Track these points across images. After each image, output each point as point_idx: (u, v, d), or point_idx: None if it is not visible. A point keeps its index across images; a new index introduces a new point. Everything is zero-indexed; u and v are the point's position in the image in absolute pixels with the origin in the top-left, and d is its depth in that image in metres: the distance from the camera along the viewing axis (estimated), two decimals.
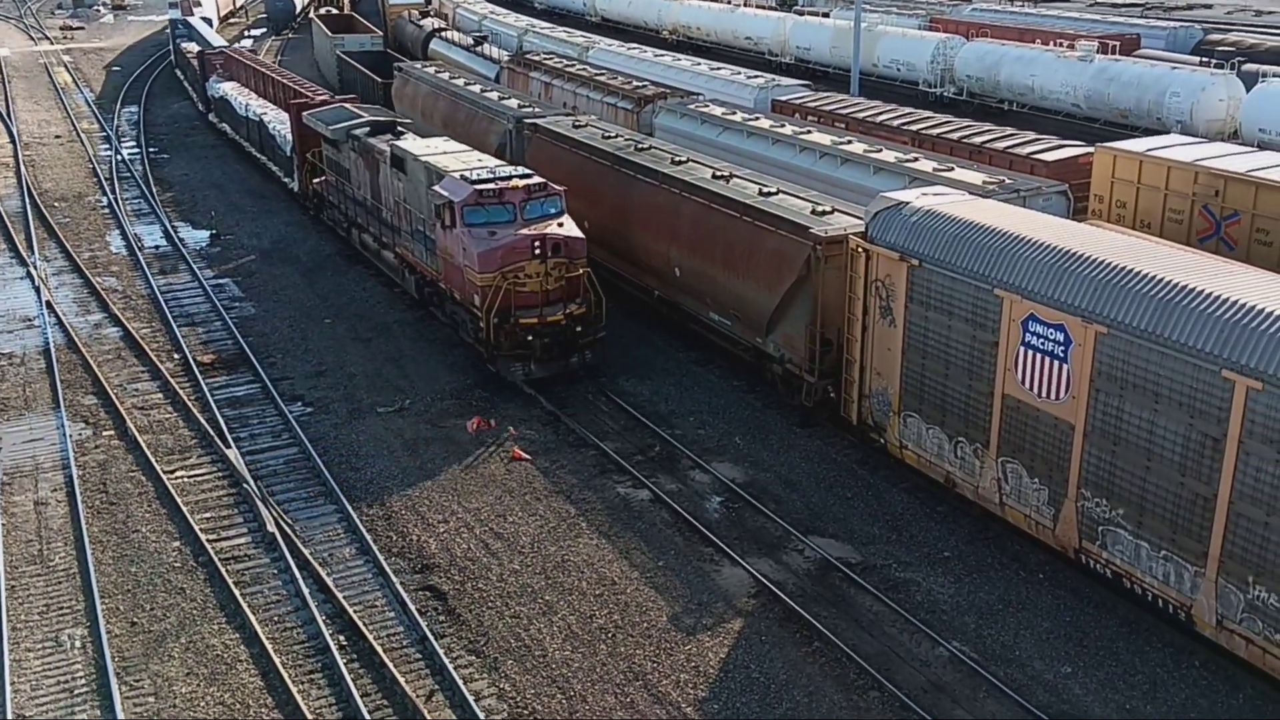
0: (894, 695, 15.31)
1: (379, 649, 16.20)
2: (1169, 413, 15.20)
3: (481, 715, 14.87)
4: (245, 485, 20.78)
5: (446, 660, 15.94)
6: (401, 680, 15.52)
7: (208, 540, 19.10)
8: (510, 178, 24.46)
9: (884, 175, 25.03)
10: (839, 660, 16.05)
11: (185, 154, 47.45)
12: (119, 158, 46.47)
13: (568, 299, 24.01)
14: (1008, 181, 23.25)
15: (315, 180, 35.68)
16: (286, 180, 40.23)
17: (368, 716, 14.89)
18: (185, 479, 21.33)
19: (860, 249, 19.97)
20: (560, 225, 24.15)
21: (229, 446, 22.27)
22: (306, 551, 18.73)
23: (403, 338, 27.87)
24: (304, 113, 34.53)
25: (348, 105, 33.99)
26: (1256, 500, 14.29)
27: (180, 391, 24.72)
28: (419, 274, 27.85)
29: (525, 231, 23.70)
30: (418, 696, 15.28)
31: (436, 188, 24.85)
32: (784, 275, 21.87)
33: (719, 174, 25.50)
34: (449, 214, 24.08)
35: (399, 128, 30.49)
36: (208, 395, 24.56)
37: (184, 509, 20.04)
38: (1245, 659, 15.01)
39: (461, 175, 24.66)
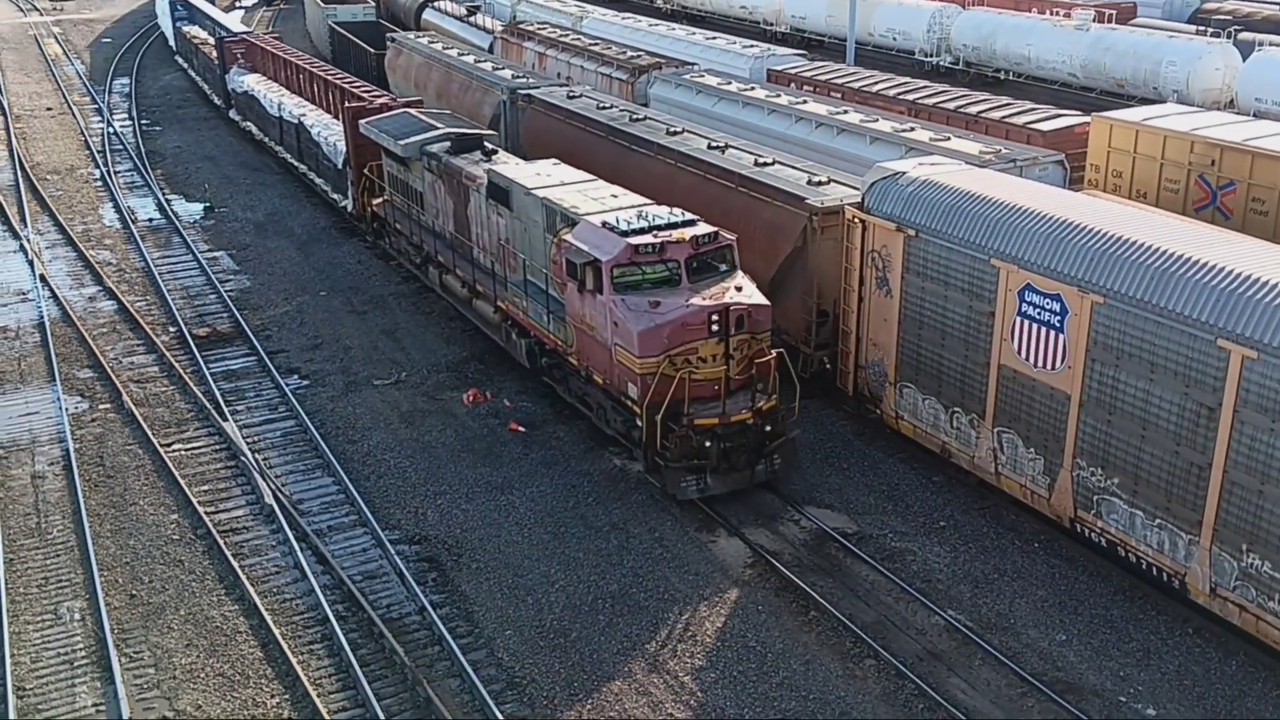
0: (890, 663, 15.41)
1: (377, 620, 16.28)
2: (1164, 382, 15.24)
3: (480, 685, 14.95)
4: (242, 458, 20.81)
5: (445, 630, 16.02)
6: (400, 650, 15.60)
7: (206, 513, 19.14)
8: (670, 225, 19.00)
9: (880, 145, 24.96)
10: (835, 629, 16.14)
11: (178, 126, 47.18)
12: (111, 130, 46.21)
13: (754, 388, 18.68)
14: (1004, 151, 23.20)
15: (375, 201, 29.98)
16: (336, 198, 33.89)
17: (367, 686, 14.97)
18: (182, 452, 21.35)
19: (856, 219, 19.94)
20: (739, 289, 18.73)
21: (225, 419, 22.28)
22: (304, 523, 18.78)
23: (398, 310, 27.83)
24: (361, 120, 28.94)
25: (413, 112, 28.72)
26: (1251, 469, 14.36)
27: (176, 365, 24.71)
28: (534, 338, 22.24)
29: (698, 301, 18.24)
30: (417, 666, 15.37)
31: (569, 238, 19.44)
32: (780, 246, 21.85)
33: (714, 145, 25.42)
34: (592, 276, 18.67)
35: (487, 144, 25.07)
36: (204, 368, 24.55)
37: (181, 482, 20.07)
38: (1239, 626, 15.13)
39: (604, 223, 19.12)
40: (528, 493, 19.72)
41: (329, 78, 36.84)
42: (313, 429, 21.82)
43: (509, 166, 23.40)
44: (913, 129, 25.40)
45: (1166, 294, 15.10)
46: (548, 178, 22.03)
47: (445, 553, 18.14)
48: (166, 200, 36.92)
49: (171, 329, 26.98)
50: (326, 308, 28.15)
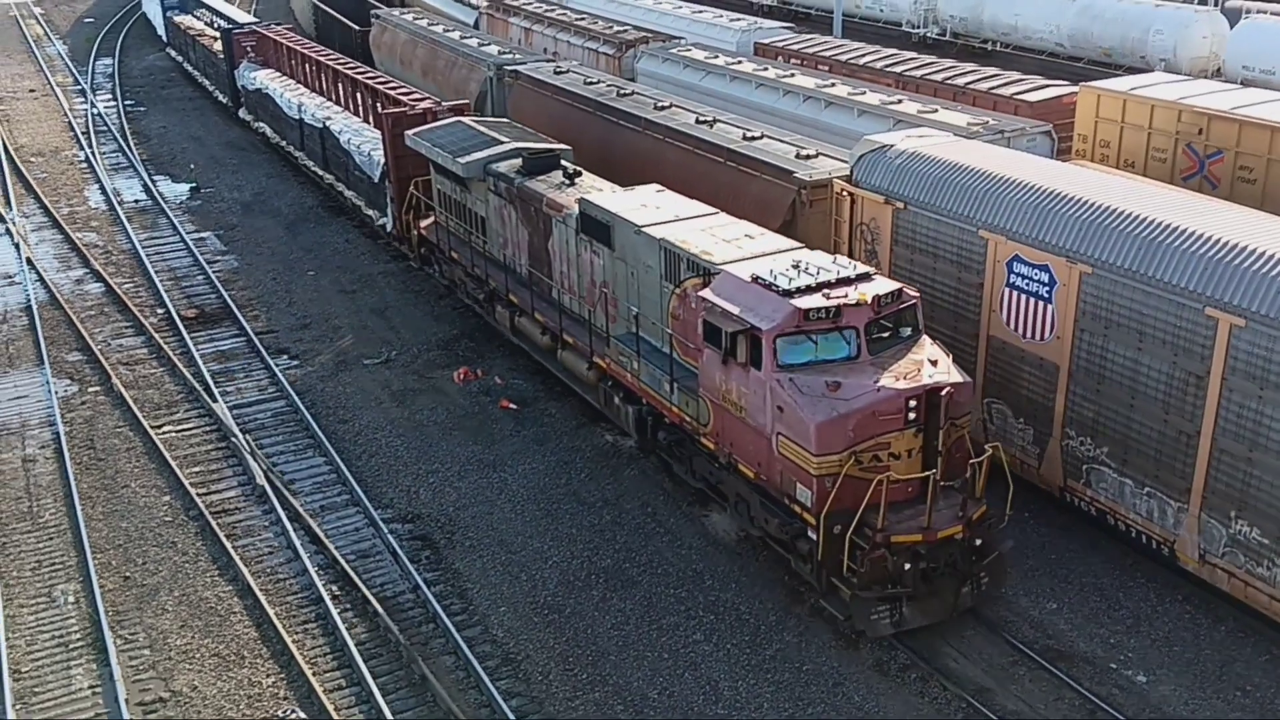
0: None
1: (372, 598, 16.32)
2: (1153, 351, 15.30)
3: (475, 661, 15.02)
4: (233, 439, 20.79)
5: (439, 608, 16.07)
6: (395, 628, 15.66)
7: (197, 494, 19.14)
8: (841, 280, 15.27)
9: (868, 118, 24.90)
10: (825, 602, 16.21)
11: (162, 106, 46.87)
12: (95, 111, 45.89)
13: (962, 492, 14.85)
14: (992, 122, 23.18)
15: (424, 223, 26.22)
16: (371, 214, 29.87)
17: (362, 664, 15.03)
18: (173, 434, 21.33)
19: (845, 192, 19.93)
20: (934, 362, 15.05)
21: (215, 400, 22.24)
22: (297, 503, 18.79)
23: (387, 289, 27.76)
24: (408, 132, 25.41)
25: (467, 121, 25.36)
26: (1239, 436, 14.44)
27: (165, 346, 24.65)
28: (646, 405, 18.59)
29: (890, 382, 14.57)
30: (412, 644, 15.42)
31: (709, 295, 15.78)
32: (769, 220, 21.75)
33: (702, 119, 25.33)
34: (745, 346, 15.08)
35: (565, 163, 21.81)
36: (193, 350, 24.49)
37: (172, 463, 20.06)
38: (1228, 592, 15.25)
39: (755, 277, 15.46)
40: (520, 470, 19.75)
41: (358, 76, 32.56)
42: (303, 409, 21.80)
43: (605, 195, 19.87)
44: (900, 101, 25.34)
45: (1154, 263, 15.13)
46: (658, 211, 18.56)
47: (438, 530, 18.17)
48: (152, 181, 36.71)
49: (159, 310, 26.89)
50: (315, 287, 28.07)
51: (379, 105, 29.54)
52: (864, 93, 26.47)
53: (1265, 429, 14.13)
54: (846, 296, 14.97)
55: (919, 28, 49.63)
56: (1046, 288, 16.58)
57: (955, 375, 14.96)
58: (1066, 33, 42.92)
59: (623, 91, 28.61)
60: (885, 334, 15.22)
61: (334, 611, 16.09)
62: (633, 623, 15.92)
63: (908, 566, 14.38)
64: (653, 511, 18.43)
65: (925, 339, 15.63)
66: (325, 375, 23.49)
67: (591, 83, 29.72)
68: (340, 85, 34.03)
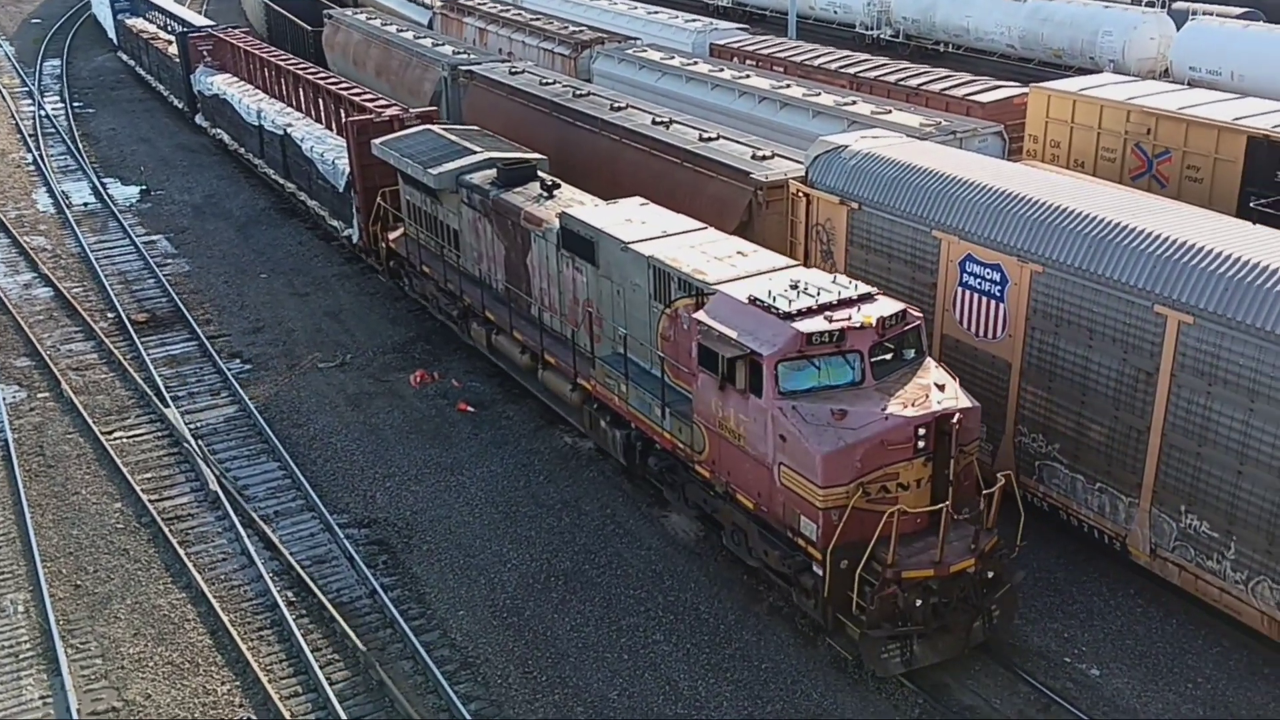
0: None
1: (328, 604, 16.18)
2: (1103, 348, 15.50)
3: (434, 666, 14.93)
4: (185, 444, 20.55)
5: (397, 613, 15.96)
6: (352, 634, 15.53)
7: (150, 501, 18.90)
8: (843, 301, 14.65)
9: (823, 119, 25.04)
10: (786, 600, 16.26)
11: (112, 108, 46.24)
12: (43, 113, 45.19)
13: (975, 523, 14.20)
14: (944, 123, 23.37)
15: (393, 236, 25.44)
16: (336, 225, 28.82)
17: (319, 671, 14.90)
18: (124, 440, 21.04)
19: (801, 193, 20.03)
20: (940, 386, 14.44)
21: (167, 406, 21.97)
22: (250, 509, 18.60)
23: (341, 291, 27.55)
24: (375, 141, 24.50)
25: (436, 129, 24.49)
26: (1188, 431, 14.66)
27: (115, 351, 24.32)
28: (637, 431, 17.91)
29: (897, 409, 13.93)
30: (369, 649, 15.31)
31: (704, 318, 15.08)
32: (726, 221, 21.84)
33: (659, 120, 25.35)
34: (745, 373, 14.41)
35: (542, 174, 21.10)
36: (143, 354, 24.18)
37: (124, 470, 19.79)
38: (1179, 586, 15.47)
39: (752, 298, 14.81)
40: (478, 472, 19.67)
41: (320, 81, 31.58)
42: (256, 413, 21.58)
43: (588, 210, 19.02)
44: (855, 102, 25.50)
45: (1104, 262, 15.33)
46: (644, 226, 17.87)
47: (395, 535, 18.06)
48: (102, 184, 36.22)
49: (110, 315, 26.53)
50: (268, 290, 27.80)
51: (343, 112, 28.83)
52: (819, 94, 26.61)
53: (1214, 425, 14.35)
54: (850, 319, 14.28)
55: (872, 29, 49.97)
56: (998, 286, 16.75)
57: (964, 400, 14.37)
58: (1017, 34, 43.41)
59: (579, 92, 28.58)
60: (889, 356, 14.63)
61: (289, 618, 15.94)
62: (592, 624, 15.91)
63: (919, 603, 13.83)
64: (612, 513, 18.42)
65: (929, 361, 15.03)
66: (279, 379, 23.27)
67: (547, 83, 29.66)
68: (301, 90, 33.02)
